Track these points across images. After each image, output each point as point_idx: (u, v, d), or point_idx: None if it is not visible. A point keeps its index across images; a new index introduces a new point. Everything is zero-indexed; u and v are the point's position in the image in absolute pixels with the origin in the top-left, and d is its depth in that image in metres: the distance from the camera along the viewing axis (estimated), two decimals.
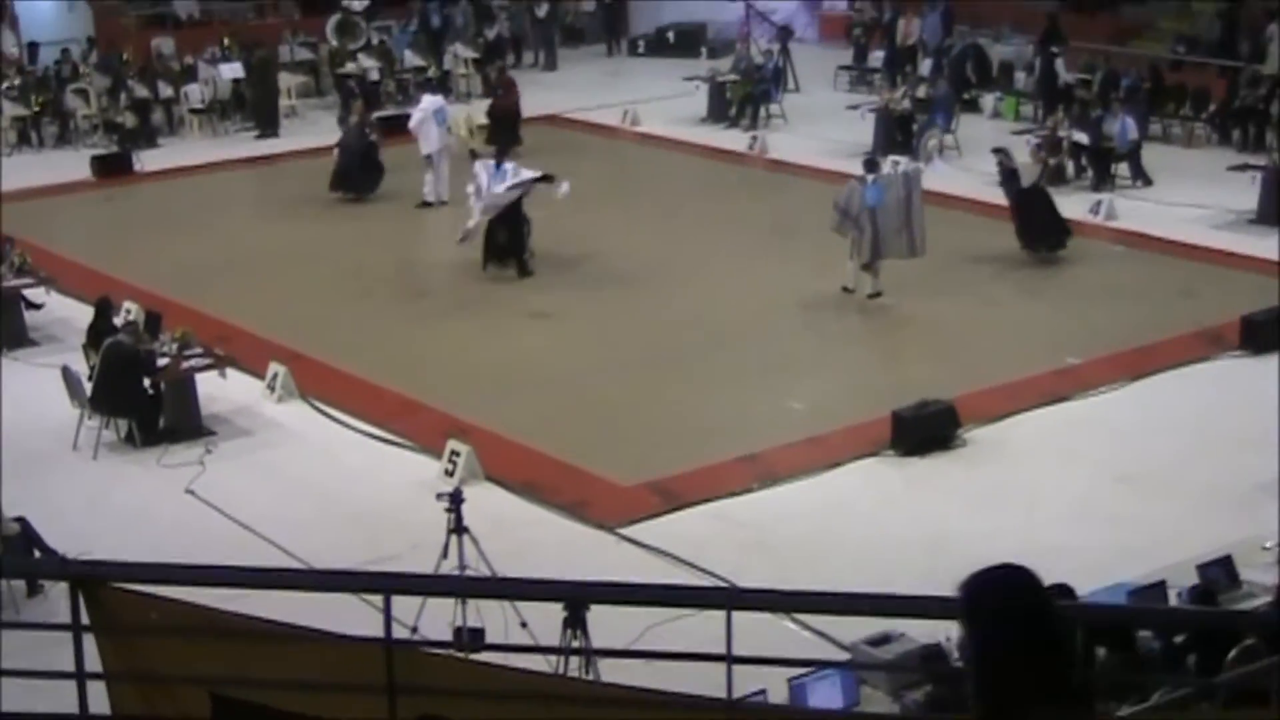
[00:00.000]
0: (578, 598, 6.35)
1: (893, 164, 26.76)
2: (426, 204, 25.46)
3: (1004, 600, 4.41)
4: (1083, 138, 26.10)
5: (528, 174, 22.12)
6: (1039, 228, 22.34)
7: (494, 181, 21.92)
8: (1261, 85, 28.72)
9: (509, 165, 22.31)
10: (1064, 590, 10.91)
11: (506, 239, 22.06)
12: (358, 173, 25.97)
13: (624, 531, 14.77)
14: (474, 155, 22.84)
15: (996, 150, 23.78)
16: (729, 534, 14.76)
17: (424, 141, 25.66)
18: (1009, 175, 22.97)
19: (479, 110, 30.20)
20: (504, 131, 28.63)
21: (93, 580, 5.80)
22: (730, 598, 5.70)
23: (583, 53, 38.15)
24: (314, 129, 30.22)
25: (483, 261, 22.13)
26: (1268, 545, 12.84)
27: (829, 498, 15.50)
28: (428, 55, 34.68)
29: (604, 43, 38.56)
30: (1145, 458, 16.04)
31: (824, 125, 30.31)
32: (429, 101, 26.40)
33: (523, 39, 37.66)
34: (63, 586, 5.84)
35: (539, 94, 31.53)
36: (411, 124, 26.19)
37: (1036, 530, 14.49)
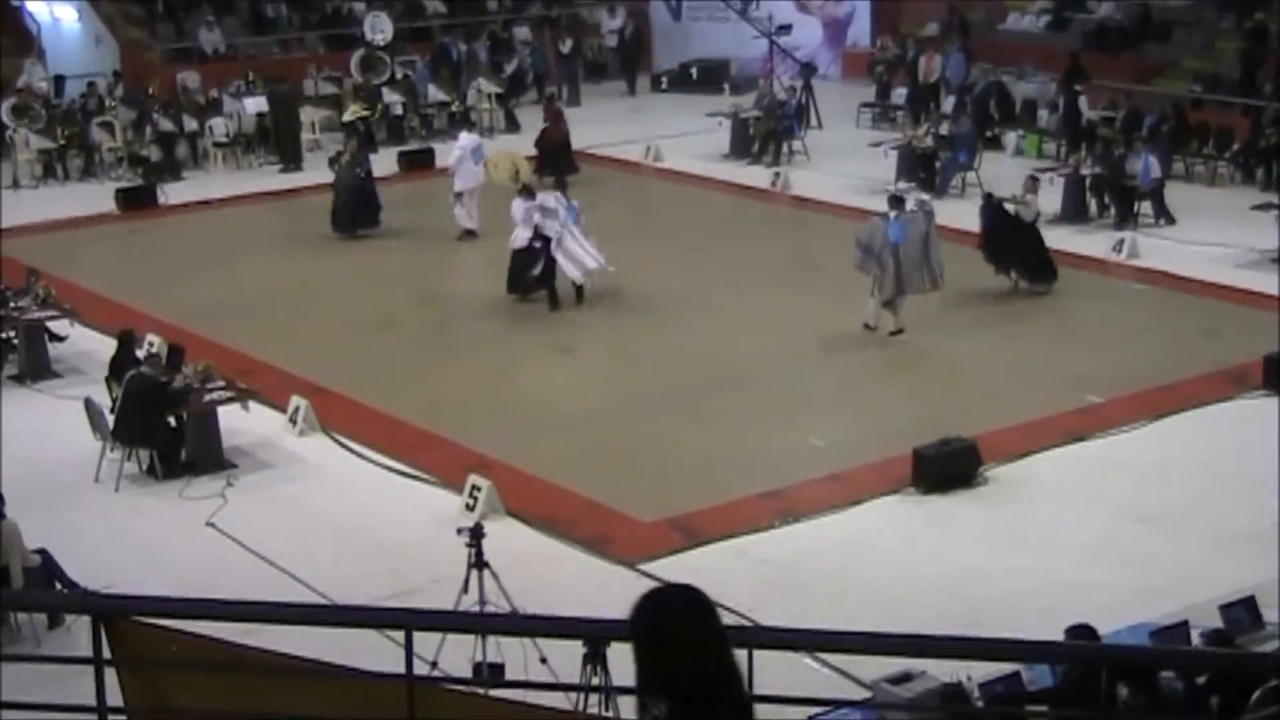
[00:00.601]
0: (599, 635, 6.33)
1: (918, 201, 26.89)
2: (470, 233, 25.51)
3: (674, 621, 4.55)
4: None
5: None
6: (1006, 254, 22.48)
7: (570, 218, 22.07)
8: None
9: (575, 203, 22.56)
10: (1086, 630, 10.89)
11: (542, 271, 22.16)
12: (354, 211, 26.02)
13: (645, 567, 14.73)
14: (527, 190, 22.69)
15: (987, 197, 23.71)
16: (750, 570, 14.73)
17: (461, 179, 25.71)
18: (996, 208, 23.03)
19: (507, 143, 30.29)
20: (558, 161, 28.92)
21: (114, 614, 5.81)
22: (752, 636, 5.69)
23: (605, 88, 38.22)
24: None
25: (512, 290, 22.36)
26: None
27: (850, 535, 15.46)
28: (450, 90, 34.81)
29: (624, 79, 38.53)
30: (1167, 497, 15.99)
31: (847, 162, 30.32)
32: (467, 139, 26.48)
33: (545, 74, 37.78)
34: (84, 619, 5.85)
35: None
36: (451, 161, 26.23)
37: (1058, 569, 14.47)
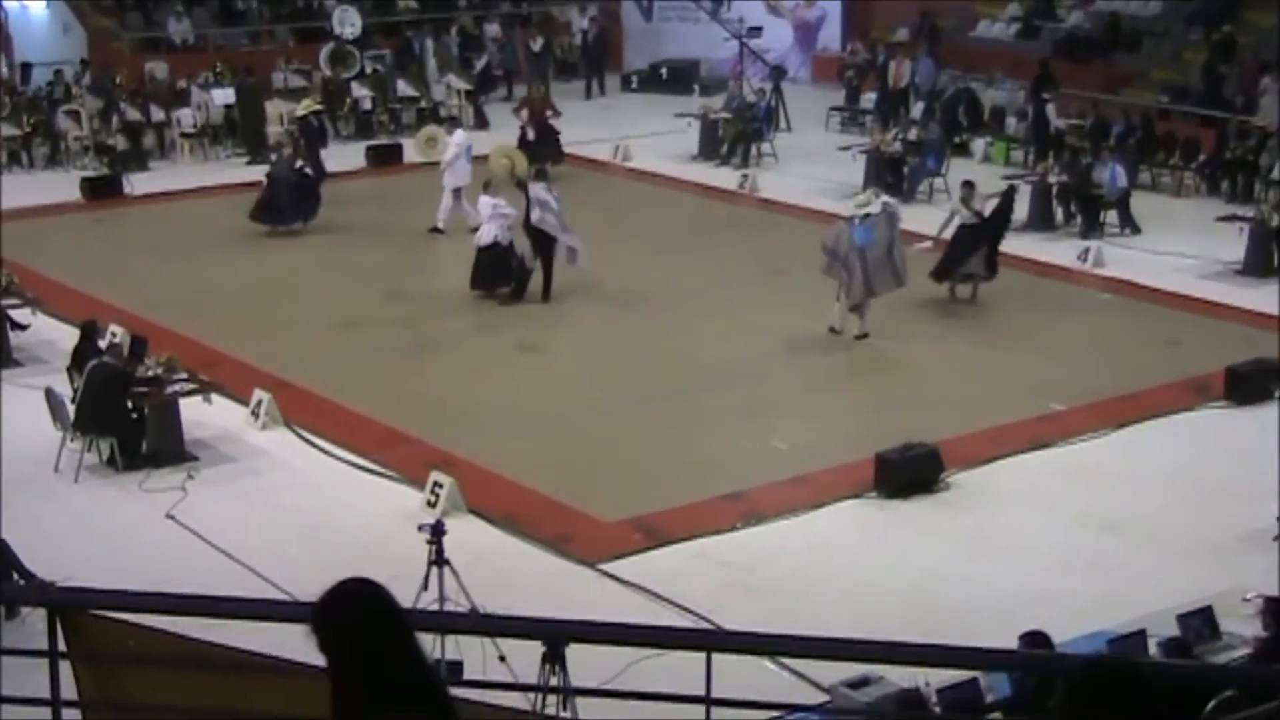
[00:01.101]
0: (559, 636, 6.32)
1: (882, 202, 26.92)
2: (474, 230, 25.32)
3: (355, 615, 4.81)
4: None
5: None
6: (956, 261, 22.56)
7: (559, 206, 22.21)
8: (1251, 137, 28.82)
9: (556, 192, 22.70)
10: (1040, 637, 10.92)
11: (519, 265, 22.33)
12: (288, 205, 25.92)
13: (605, 567, 14.72)
14: (521, 185, 22.77)
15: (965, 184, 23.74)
16: (711, 572, 14.72)
17: (453, 176, 25.76)
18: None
19: (475, 140, 30.23)
20: (548, 147, 29.18)
21: (71, 607, 5.78)
22: (711, 640, 5.69)
23: (575, 87, 38.16)
24: None
25: (475, 287, 22.49)
26: (1248, 597, 12.82)
27: (812, 538, 15.47)
28: (419, 85, 34.76)
29: (587, 80, 38.30)
30: (1128, 506, 16.03)
31: (815, 165, 30.38)
32: (461, 137, 26.53)
33: (514, 71, 37.74)
34: (41, 611, 5.81)
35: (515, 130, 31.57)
36: (446, 157, 26.21)
37: (1018, 576, 14.49)
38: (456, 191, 25.66)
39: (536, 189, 22.44)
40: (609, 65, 39.86)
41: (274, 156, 26.40)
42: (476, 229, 22.85)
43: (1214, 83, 31.38)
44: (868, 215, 20.83)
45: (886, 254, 20.70)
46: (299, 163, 26.05)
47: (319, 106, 29.73)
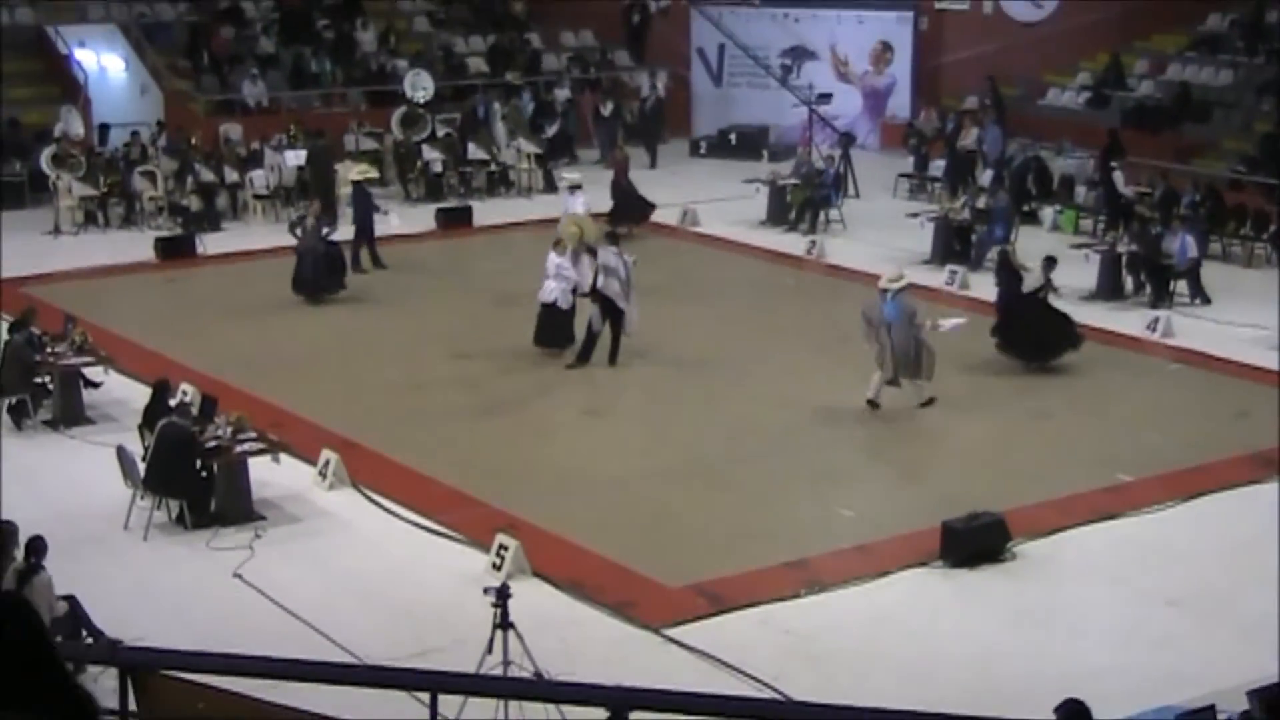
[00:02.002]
0: (623, 702, 6.33)
1: (951, 273, 26.94)
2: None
3: None
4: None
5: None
6: (1018, 336, 22.45)
7: (627, 272, 22.29)
8: None
9: (628, 258, 22.80)
10: (1077, 707, 10.36)
11: (589, 328, 22.46)
12: (322, 275, 25.89)
13: (669, 633, 14.71)
14: (591, 251, 22.84)
15: (1002, 251, 23.67)
16: (774, 640, 14.69)
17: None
18: (1009, 273, 23.00)
19: (545, 203, 30.50)
20: (632, 206, 29.77)
21: (142, 668, 5.84)
22: (777, 710, 5.70)
23: (644, 151, 38.28)
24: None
25: (539, 343, 22.69)
26: None
27: (876, 607, 15.42)
28: (489, 149, 35.01)
29: (645, 148, 37.99)
30: (1196, 580, 15.91)
31: (883, 232, 30.40)
32: (576, 202, 26.65)
33: (580, 136, 37.97)
34: (111, 670, 5.88)
35: (600, 191, 31.70)
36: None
37: (1083, 650, 14.39)
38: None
39: (606, 254, 22.51)
40: (678, 130, 40.08)
41: (298, 230, 26.27)
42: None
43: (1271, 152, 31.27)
44: (899, 291, 20.72)
45: (912, 343, 20.51)
46: (325, 230, 26.04)
47: (373, 173, 29.90)
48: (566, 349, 22.67)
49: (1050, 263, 22.78)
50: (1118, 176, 30.63)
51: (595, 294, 22.29)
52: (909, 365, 20.58)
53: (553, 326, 22.71)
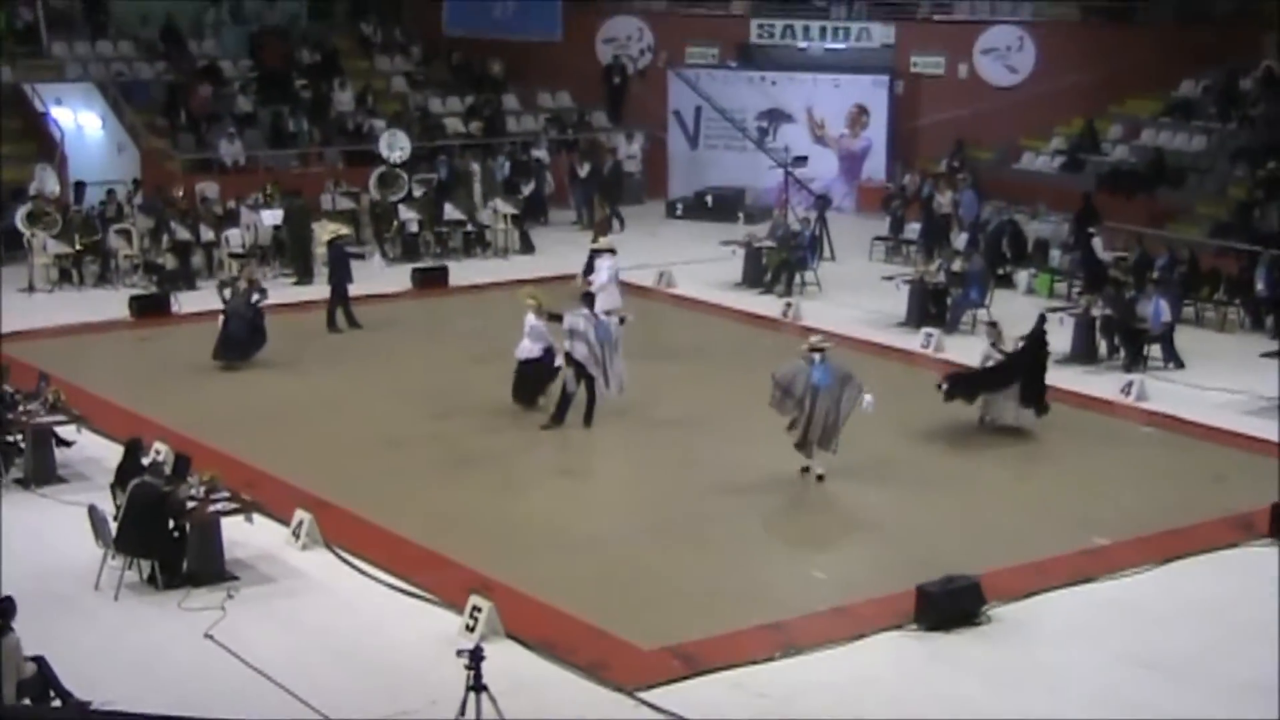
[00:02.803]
0: None
1: (926, 336, 26.99)
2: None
3: None
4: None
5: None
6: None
7: (602, 337, 22.26)
8: None
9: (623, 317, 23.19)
10: None
11: (561, 391, 22.55)
12: (241, 341, 25.46)
13: (643, 695, 14.63)
14: (554, 317, 22.76)
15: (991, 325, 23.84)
16: (749, 703, 14.62)
17: (605, 299, 25.23)
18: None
19: (522, 264, 30.50)
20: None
21: None
22: None
23: (620, 212, 38.37)
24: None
25: (517, 399, 23.00)
26: None
27: (851, 670, 15.35)
28: (466, 209, 35.04)
29: (601, 209, 37.73)
30: (1172, 645, 15.89)
31: (858, 295, 30.50)
32: (611, 262, 26.62)
33: (554, 196, 38.07)
34: None
35: (575, 253, 31.74)
36: (601, 280, 26.15)
37: (1059, 713, 14.40)
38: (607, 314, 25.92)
39: (572, 319, 22.39)
40: (655, 191, 40.25)
41: (227, 292, 25.95)
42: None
43: (1241, 217, 31.48)
44: (824, 355, 20.52)
45: (832, 413, 20.25)
46: (255, 297, 25.67)
47: (344, 231, 29.83)
48: (540, 405, 22.78)
49: (992, 327, 23.32)
50: (1096, 243, 30.76)
51: (568, 359, 22.31)
52: (826, 433, 20.31)
53: (530, 381, 22.93)
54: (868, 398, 20.29)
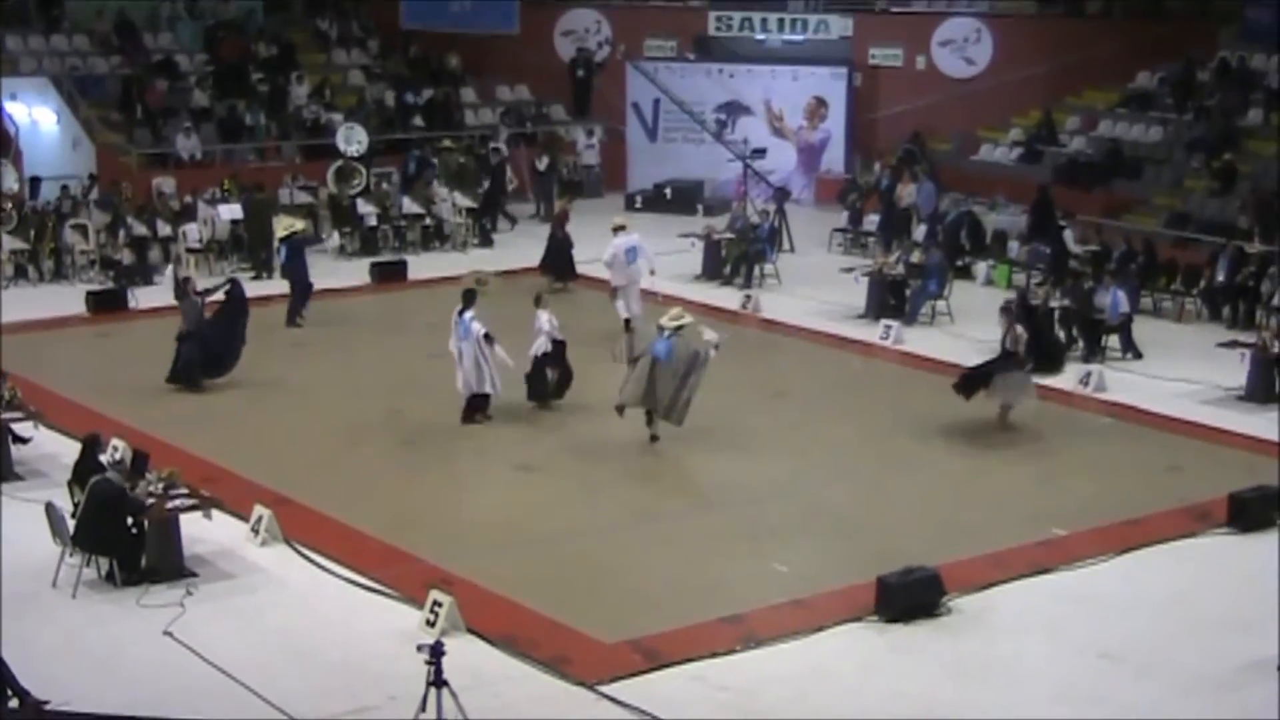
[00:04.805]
0: None
1: (885, 328, 27.03)
2: (627, 322, 26.07)
3: None
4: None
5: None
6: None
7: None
8: (1250, 263, 28.93)
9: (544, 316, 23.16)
10: None
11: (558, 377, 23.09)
12: (204, 361, 24.26)
13: (604, 689, 14.63)
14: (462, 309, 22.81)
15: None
16: (710, 696, 14.62)
17: (615, 276, 26.57)
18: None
19: (481, 258, 30.52)
20: (565, 262, 30.47)
21: None
22: None
23: (579, 206, 38.21)
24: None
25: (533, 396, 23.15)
26: None
27: (812, 662, 15.37)
28: (424, 203, 34.97)
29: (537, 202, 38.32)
30: (1130, 634, 15.95)
31: (818, 287, 30.52)
32: (624, 239, 26.87)
33: (507, 190, 38.00)
34: None
35: (536, 246, 31.74)
36: (605, 258, 26.93)
37: (1017, 705, 14.41)
38: (615, 290, 26.56)
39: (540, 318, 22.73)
40: (614, 184, 40.25)
41: (182, 295, 24.75)
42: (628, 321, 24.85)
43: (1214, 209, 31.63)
44: (677, 330, 21.24)
45: (678, 380, 20.97)
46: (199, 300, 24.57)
47: (300, 225, 29.68)
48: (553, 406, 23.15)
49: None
50: (1068, 235, 30.77)
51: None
52: (668, 406, 21.06)
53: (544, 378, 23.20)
54: (713, 351, 21.25)
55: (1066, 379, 24.67)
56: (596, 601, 16.62)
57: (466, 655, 14.71)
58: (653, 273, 26.37)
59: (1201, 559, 18.07)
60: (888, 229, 33.73)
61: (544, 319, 22.93)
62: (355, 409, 23.00)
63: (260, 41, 41.39)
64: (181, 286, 25.22)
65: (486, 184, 36.87)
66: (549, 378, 23.15)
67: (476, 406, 22.28)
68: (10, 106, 36.28)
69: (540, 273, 30.49)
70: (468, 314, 22.16)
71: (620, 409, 21.30)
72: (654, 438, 21.35)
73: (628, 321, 25.87)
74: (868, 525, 19.05)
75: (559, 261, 30.80)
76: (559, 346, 23.05)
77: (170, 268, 26.51)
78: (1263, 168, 32.78)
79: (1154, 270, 29.89)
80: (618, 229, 27.37)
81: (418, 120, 40.05)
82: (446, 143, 38.29)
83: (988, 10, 40.40)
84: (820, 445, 20.95)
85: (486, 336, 21.97)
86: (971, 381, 22.46)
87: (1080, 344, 26.36)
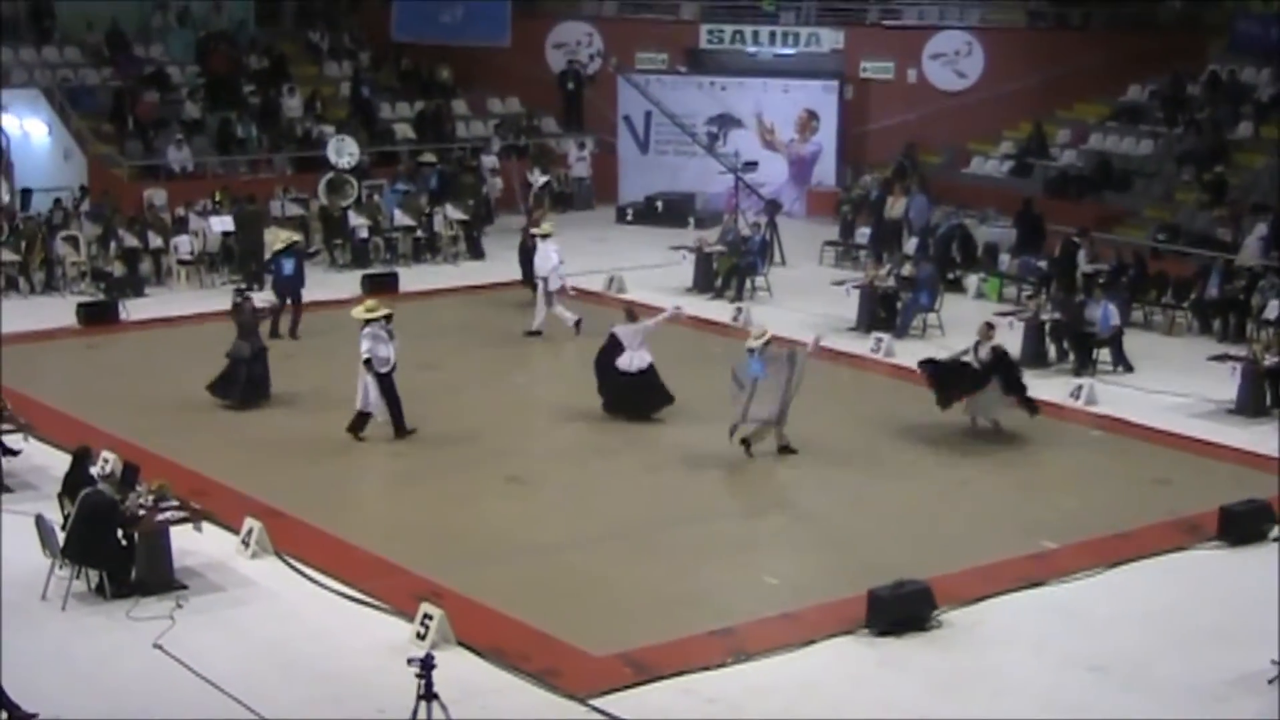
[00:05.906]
0: None
1: (876, 340, 27.03)
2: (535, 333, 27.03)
3: None
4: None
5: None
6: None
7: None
8: (1239, 277, 28.98)
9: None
10: None
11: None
12: (243, 385, 24.00)
13: (594, 702, 14.61)
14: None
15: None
16: (700, 709, 14.61)
17: (553, 280, 27.62)
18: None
19: (471, 270, 30.45)
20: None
21: None
22: None
23: (571, 218, 38.40)
24: None
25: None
26: None
27: (802, 675, 15.36)
28: (415, 215, 34.99)
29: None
30: (1119, 648, 15.95)
31: (809, 300, 30.54)
32: (554, 250, 27.84)
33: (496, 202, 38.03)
34: None
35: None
36: (549, 268, 27.62)
37: (1008, 717, 14.39)
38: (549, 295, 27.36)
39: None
40: (605, 197, 40.30)
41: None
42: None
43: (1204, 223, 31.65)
44: (765, 347, 21.69)
45: (782, 389, 21.37)
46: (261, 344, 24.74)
47: (297, 239, 29.66)
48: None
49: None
50: (1082, 255, 30.62)
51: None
52: (778, 414, 21.40)
53: (645, 391, 23.35)
54: (808, 350, 22.01)
55: (1058, 391, 24.68)
56: (587, 614, 16.60)
57: (457, 668, 14.70)
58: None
59: (1192, 572, 18.08)
60: (879, 242, 33.79)
61: (633, 328, 23.37)
62: (345, 421, 22.94)
63: (252, 53, 41.41)
64: (240, 305, 24.90)
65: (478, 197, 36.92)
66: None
67: (359, 425, 22.22)
68: (1, 118, 36.24)
69: (524, 284, 30.21)
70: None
71: (747, 444, 21.41)
72: (749, 452, 21.46)
73: (578, 323, 26.78)
74: (858, 538, 19.06)
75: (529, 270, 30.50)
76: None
77: (233, 293, 25.89)
78: (1252, 179, 32.85)
79: (1145, 283, 29.93)
80: (546, 236, 28.11)
81: (409, 132, 40.07)
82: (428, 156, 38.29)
83: (979, 24, 40.46)
84: (811, 457, 20.95)
85: (367, 362, 21.94)
86: (946, 390, 22.52)
87: (1071, 357, 26.38)
